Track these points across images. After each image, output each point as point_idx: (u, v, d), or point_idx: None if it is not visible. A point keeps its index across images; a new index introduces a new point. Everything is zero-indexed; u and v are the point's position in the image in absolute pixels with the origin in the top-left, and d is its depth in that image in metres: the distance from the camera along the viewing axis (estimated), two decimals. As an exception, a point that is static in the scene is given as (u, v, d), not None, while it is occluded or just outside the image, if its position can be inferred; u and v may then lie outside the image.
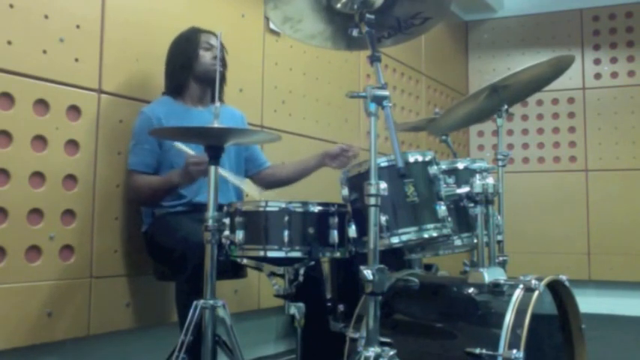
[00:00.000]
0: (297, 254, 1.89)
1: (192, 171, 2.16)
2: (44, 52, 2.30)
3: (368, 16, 1.81)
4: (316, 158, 2.61)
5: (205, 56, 2.54)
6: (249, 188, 2.31)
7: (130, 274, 2.59)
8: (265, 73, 3.39)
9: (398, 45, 2.09)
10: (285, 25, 1.98)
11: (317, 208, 1.92)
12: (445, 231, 1.93)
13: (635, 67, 5.18)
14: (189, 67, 2.54)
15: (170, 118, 2.44)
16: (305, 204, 1.92)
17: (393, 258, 2.28)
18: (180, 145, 2.26)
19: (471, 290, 1.97)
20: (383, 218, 1.83)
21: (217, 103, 1.93)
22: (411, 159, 1.94)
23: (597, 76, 5.29)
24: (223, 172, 2.22)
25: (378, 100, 1.69)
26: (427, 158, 1.96)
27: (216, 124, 1.87)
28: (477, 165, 2.16)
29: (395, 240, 1.86)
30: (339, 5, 1.88)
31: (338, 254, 1.94)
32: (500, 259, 2.35)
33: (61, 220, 2.34)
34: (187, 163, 2.17)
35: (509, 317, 1.79)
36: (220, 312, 1.87)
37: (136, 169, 2.44)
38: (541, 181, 5.37)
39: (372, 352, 1.66)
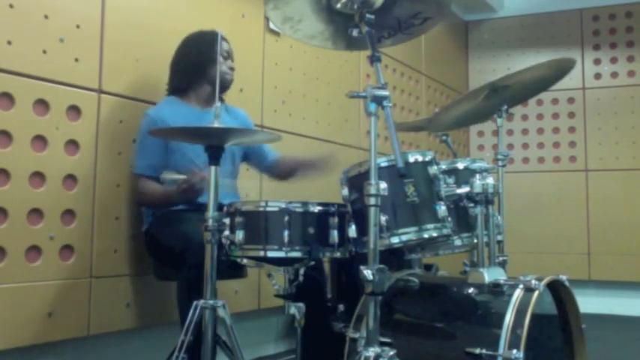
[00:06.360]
0: (297, 254, 1.89)
1: (189, 193, 2.18)
2: (44, 52, 2.30)
3: (368, 16, 1.81)
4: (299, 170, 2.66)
5: (224, 64, 2.55)
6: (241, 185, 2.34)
7: (130, 274, 2.59)
8: (265, 73, 3.39)
9: (398, 45, 2.09)
10: (285, 25, 1.98)
11: (317, 208, 1.92)
12: (445, 231, 1.93)
13: (635, 67, 5.18)
14: (203, 69, 2.53)
15: (177, 121, 2.42)
16: (305, 204, 1.92)
17: (393, 258, 2.28)
18: (166, 175, 2.26)
19: (471, 290, 1.97)
20: (383, 218, 1.83)
21: (218, 103, 1.93)
22: (411, 159, 1.94)
23: (597, 76, 5.29)
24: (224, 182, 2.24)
25: (378, 100, 1.69)
26: (427, 158, 1.96)
27: (216, 124, 1.87)
28: (477, 165, 2.16)
29: (395, 240, 1.87)
30: (339, 5, 1.88)
31: (338, 254, 1.94)
32: (500, 259, 2.35)
33: (61, 220, 2.34)
34: (180, 190, 2.19)
35: (509, 317, 1.79)
36: (220, 312, 1.87)
37: (142, 173, 2.43)
38: (541, 181, 5.37)
39: (372, 352, 1.66)
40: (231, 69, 2.60)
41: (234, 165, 2.64)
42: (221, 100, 2.63)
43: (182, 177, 2.18)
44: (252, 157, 2.74)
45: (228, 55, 2.60)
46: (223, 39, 2.58)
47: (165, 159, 2.43)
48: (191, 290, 2.03)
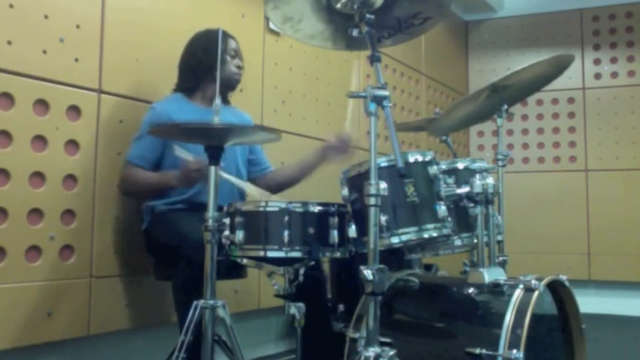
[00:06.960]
0: (297, 254, 1.89)
1: (193, 177, 2.17)
2: (44, 52, 2.30)
3: (368, 16, 1.81)
4: (317, 154, 2.55)
5: (231, 63, 2.55)
6: (250, 189, 2.31)
7: (130, 274, 2.58)
8: (265, 73, 3.39)
9: (398, 45, 2.09)
10: (285, 25, 1.98)
11: (317, 208, 1.92)
12: (445, 231, 1.93)
13: (635, 67, 5.18)
14: (210, 68, 2.50)
15: (181, 118, 2.40)
16: (305, 204, 1.91)
17: (393, 258, 2.28)
18: (179, 152, 2.24)
19: (471, 290, 1.97)
20: (383, 218, 1.83)
21: (218, 100, 1.92)
22: (411, 159, 1.94)
23: (597, 76, 5.29)
24: (225, 175, 2.21)
25: (378, 100, 1.69)
26: (427, 158, 1.96)
27: (216, 122, 1.86)
28: (477, 165, 2.16)
29: (395, 240, 1.86)
30: (339, 5, 1.88)
31: (338, 254, 1.94)
32: (500, 259, 2.36)
33: (61, 220, 2.34)
34: (188, 170, 2.17)
35: (509, 317, 1.79)
36: (220, 312, 1.87)
37: (134, 162, 2.42)
38: (541, 181, 5.37)
39: (372, 352, 1.65)
40: (239, 67, 2.58)
41: (237, 171, 2.62)
42: (226, 101, 2.63)
43: (192, 158, 2.16)
44: (252, 167, 2.71)
45: (236, 54, 2.58)
46: (231, 38, 2.58)
47: (161, 155, 2.43)
48: (187, 290, 2.03)
